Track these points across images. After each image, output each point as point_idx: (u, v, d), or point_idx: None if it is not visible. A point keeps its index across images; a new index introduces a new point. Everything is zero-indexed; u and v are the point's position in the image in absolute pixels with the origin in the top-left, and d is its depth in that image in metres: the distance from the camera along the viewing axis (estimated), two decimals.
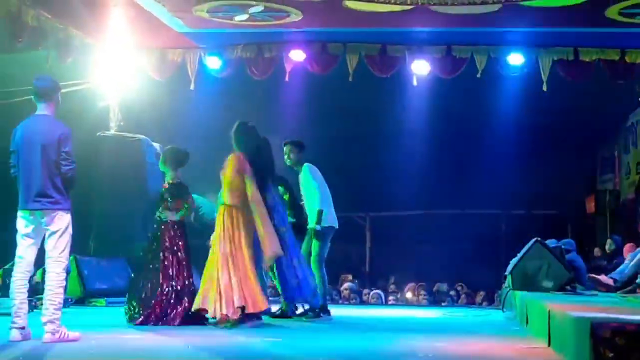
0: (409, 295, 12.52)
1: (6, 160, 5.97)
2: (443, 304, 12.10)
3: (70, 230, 5.83)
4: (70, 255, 9.10)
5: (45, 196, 5.73)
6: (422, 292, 12.42)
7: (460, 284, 12.60)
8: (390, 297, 12.66)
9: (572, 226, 13.82)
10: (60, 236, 5.76)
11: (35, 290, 7.63)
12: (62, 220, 5.77)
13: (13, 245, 5.91)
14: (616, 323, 4.10)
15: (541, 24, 9.79)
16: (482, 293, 12.36)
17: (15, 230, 5.87)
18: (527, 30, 10.10)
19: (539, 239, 8.79)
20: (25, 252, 5.80)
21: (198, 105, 10.69)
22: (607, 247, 11.31)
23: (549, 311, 5.60)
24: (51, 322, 5.62)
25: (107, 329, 6.78)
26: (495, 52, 10.55)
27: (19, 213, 5.82)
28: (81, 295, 9.79)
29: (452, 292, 12.30)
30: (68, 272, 9.42)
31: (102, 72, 10.64)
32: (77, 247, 9.31)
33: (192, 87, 10.80)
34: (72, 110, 6.26)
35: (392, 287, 13.18)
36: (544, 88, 10.46)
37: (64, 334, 5.66)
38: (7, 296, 6.02)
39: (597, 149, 14.50)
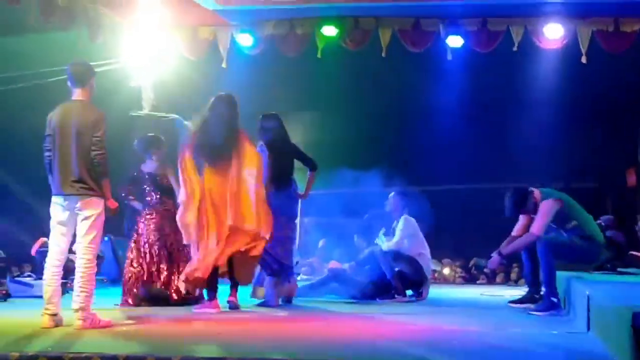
0: (446, 272, 12.39)
1: (40, 140, 5.95)
2: (478, 282, 11.97)
3: (102, 216, 5.81)
4: (105, 237, 9.18)
5: (80, 182, 5.72)
6: (459, 269, 12.28)
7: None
8: None
9: (612, 201, 13.50)
10: (92, 222, 5.74)
11: (71, 270, 7.64)
12: (96, 206, 5.75)
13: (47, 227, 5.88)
14: None
15: None
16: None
17: (48, 215, 5.87)
18: (564, 0, 9.82)
19: None
20: (59, 239, 5.79)
21: (230, 84, 10.58)
22: None
23: (588, 296, 5.46)
24: (82, 309, 5.61)
25: (140, 314, 6.77)
26: (532, 24, 10.25)
27: (54, 199, 5.81)
28: (116, 275, 9.84)
29: (486, 270, 12.10)
30: (103, 255, 9.51)
31: (133, 52, 10.58)
32: (112, 228, 9.36)
33: (224, 65, 10.71)
34: (104, 89, 6.21)
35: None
36: (583, 60, 10.18)
37: (96, 320, 5.66)
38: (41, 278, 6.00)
39: (638, 120, 14.14)
